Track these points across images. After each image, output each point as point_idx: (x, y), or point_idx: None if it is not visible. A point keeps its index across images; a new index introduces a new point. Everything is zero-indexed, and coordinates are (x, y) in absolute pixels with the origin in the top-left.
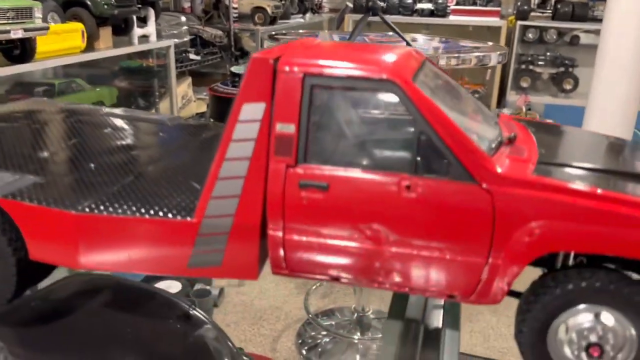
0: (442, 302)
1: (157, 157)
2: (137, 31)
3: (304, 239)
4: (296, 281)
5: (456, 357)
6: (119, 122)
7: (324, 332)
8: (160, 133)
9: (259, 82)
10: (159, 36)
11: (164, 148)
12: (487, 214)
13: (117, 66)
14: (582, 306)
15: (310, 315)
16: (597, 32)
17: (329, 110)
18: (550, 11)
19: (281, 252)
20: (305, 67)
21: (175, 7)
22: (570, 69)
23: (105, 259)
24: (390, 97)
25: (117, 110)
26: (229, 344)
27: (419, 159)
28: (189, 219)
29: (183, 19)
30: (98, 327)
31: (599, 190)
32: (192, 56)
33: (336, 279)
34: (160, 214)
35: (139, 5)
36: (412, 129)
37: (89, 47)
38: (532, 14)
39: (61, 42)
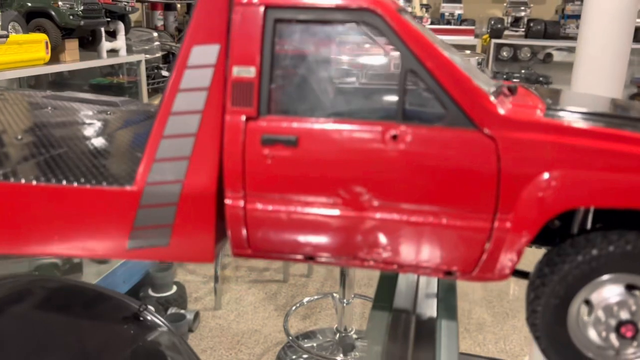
0: (434, 289)
1: (99, 133)
2: (106, 44)
3: (270, 208)
4: (276, 302)
5: (455, 352)
6: (62, 103)
7: (305, 355)
8: (109, 113)
9: (212, 19)
10: (129, 51)
11: (109, 126)
12: (490, 165)
13: (86, 84)
14: (609, 276)
15: (290, 338)
16: (569, 50)
17: (297, 49)
18: (523, 30)
19: (243, 227)
20: None
21: (147, 25)
22: (545, 86)
23: (25, 239)
24: (371, 30)
25: (63, 93)
26: (189, 351)
27: (406, 102)
28: (127, 187)
29: (155, 34)
30: (32, 331)
31: (626, 132)
32: (164, 73)
33: (311, 258)
34: (93, 182)
35: (108, 19)
36: (397, 67)
37: (54, 59)
38: (506, 32)
39: (23, 53)
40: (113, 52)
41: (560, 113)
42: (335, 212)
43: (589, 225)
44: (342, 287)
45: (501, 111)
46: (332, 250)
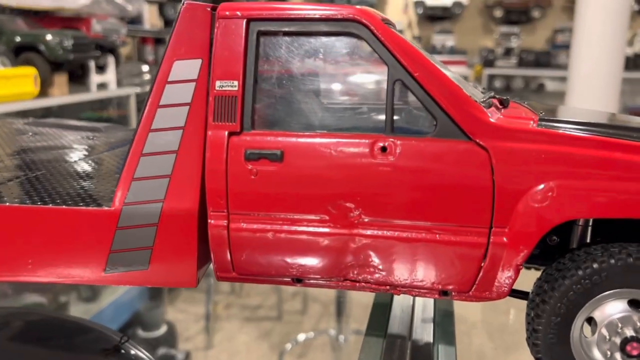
0: (431, 314)
1: (80, 156)
2: (96, 78)
3: (255, 227)
4: (270, 341)
5: None
6: (42, 129)
7: None
8: (92, 138)
9: (194, 33)
10: (120, 85)
11: (91, 150)
12: (484, 176)
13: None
14: (611, 292)
15: None
16: (561, 79)
17: (281, 62)
18: (514, 60)
19: (226, 248)
20: (250, 10)
21: (138, 59)
22: None
23: None
24: (358, 42)
25: (47, 120)
26: None
27: (395, 114)
28: (105, 207)
29: (146, 68)
30: None
31: (623, 140)
32: None
33: (299, 281)
34: (69, 203)
35: (98, 53)
36: (385, 78)
37: (43, 93)
38: (498, 62)
39: (11, 87)
40: (103, 86)
41: (554, 124)
42: (324, 229)
43: (588, 239)
44: (339, 323)
45: (493, 121)
46: (321, 271)
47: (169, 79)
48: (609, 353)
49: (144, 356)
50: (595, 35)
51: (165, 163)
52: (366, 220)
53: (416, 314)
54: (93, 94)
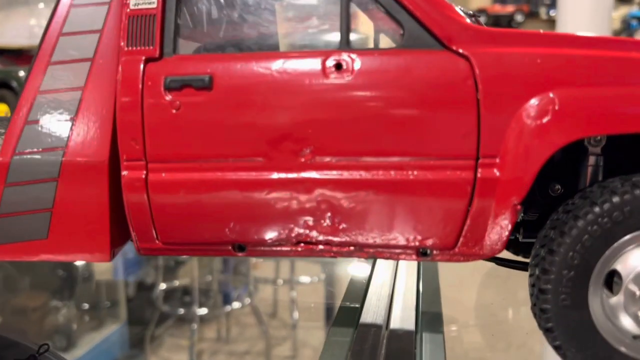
0: (413, 300)
1: None
2: None
3: (180, 178)
4: None
5: None
6: None
7: None
8: None
9: None
10: None
11: None
12: (465, 92)
13: None
14: (638, 233)
15: None
16: None
17: None
18: None
19: (146, 208)
20: None
21: None
22: None
23: None
24: None
25: None
26: None
27: (350, 24)
28: None
29: None
30: None
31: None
32: None
33: (241, 249)
34: None
35: None
36: None
37: None
38: None
39: None
40: None
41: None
42: (267, 176)
43: (600, 177)
44: None
45: (471, 24)
46: (268, 233)
47: (75, 2)
48: None
49: None
50: None
51: (68, 102)
52: (319, 160)
53: (395, 300)
54: None
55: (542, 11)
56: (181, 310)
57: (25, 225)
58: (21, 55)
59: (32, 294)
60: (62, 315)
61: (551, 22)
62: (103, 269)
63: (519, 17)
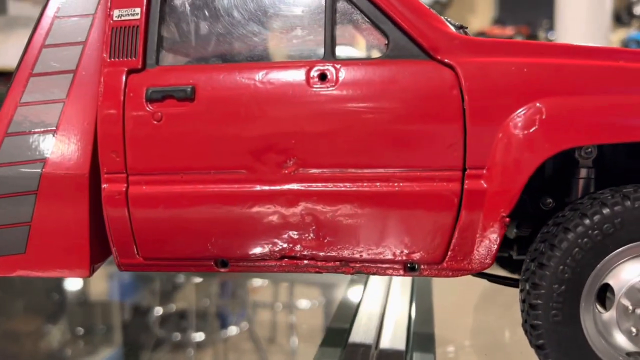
0: (405, 319)
1: None
2: None
3: (161, 191)
4: None
5: None
6: None
7: None
8: None
9: None
10: None
11: None
12: (451, 102)
13: None
14: (630, 245)
15: None
16: None
17: None
18: None
19: (127, 222)
20: None
21: None
22: None
23: None
24: None
25: None
26: None
27: (335, 34)
28: None
29: None
30: None
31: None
32: None
33: (224, 264)
34: None
35: None
36: None
37: None
38: None
39: None
40: None
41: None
42: (249, 188)
43: (592, 189)
44: None
45: (457, 34)
46: (251, 247)
47: (58, 14)
48: (634, 331)
49: None
50: None
51: (49, 115)
52: (303, 172)
53: (387, 319)
54: None
55: (541, 34)
56: (178, 336)
57: (2, 239)
58: None
59: (26, 318)
60: (56, 340)
61: None
62: (99, 292)
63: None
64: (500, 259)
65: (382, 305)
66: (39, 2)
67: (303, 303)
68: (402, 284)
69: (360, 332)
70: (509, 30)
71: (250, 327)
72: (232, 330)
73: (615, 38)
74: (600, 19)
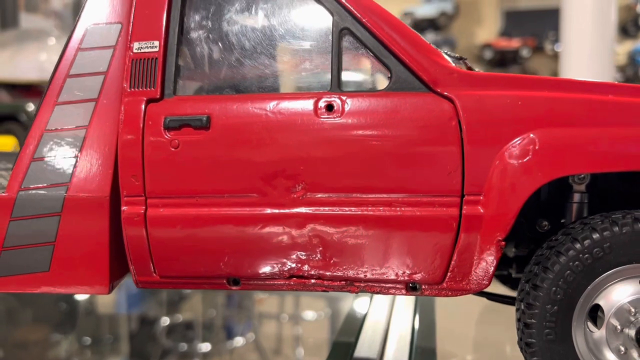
0: (408, 333)
1: None
2: None
3: (177, 213)
4: None
5: None
6: None
7: None
8: None
9: None
10: None
11: None
12: (450, 132)
13: None
14: (619, 269)
15: None
16: None
17: (209, 18)
18: None
19: (145, 242)
20: None
21: None
22: None
23: None
24: None
25: None
26: None
27: (342, 68)
28: None
29: None
30: None
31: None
32: None
33: (236, 283)
34: None
35: None
36: (330, 27)
37: None
38: None
39: None
40: None
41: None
42: (260, 211)
43: (585, 213)
44: None
45: (456, 67)
46: (261, 267)
47: (82, 46)
48: (622, 349)
49: None
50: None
51: (73, 140)
52: (311, 197)
53: (391, 333)
54: None
55: (548, 46)
56: (184, 346)
57: (28, 258)
58: (30, 90)
59: (34, 327)
60: (63, 350)
61: (557, 57)
62: (106, 303)
63: (524, 52)
64: (500, 277)
65: (387, 319)
66: (50, 15)
67: (309, 315)
68: (406, 298)
69: (365, 346)
70: (515, 42)
71: (256, 338)
72: (238, 341)
73: (622, 50)
74: (605, 31)
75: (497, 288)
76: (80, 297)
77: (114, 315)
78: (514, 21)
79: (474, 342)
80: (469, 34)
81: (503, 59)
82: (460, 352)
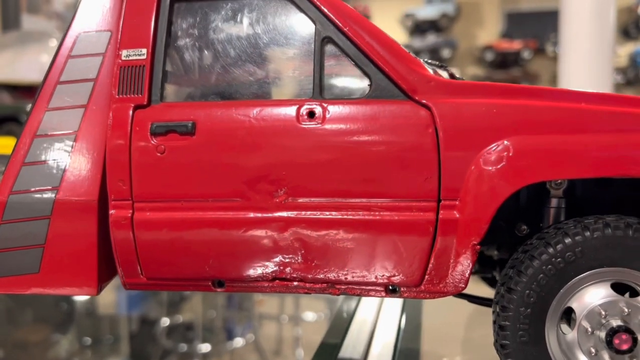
0: (393, 336)
1: None
2: None
3: (163, 217)
4: None
5: None
6: None
7: None
8: None
9: (103, 2)
10: None
11: None
12: (426, 139)
13: None
14: (591, 272)
15: None
16: None
17: (196, 26)
18: None
19: (132, 245)
20: None
21: None
22: None
23: None
24: (281, 0)
25: None
26: None
27: (324, 75)
28: None
29: None
30: None
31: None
32: None
33: (220, 285)
34: None
35: None
36: (313, 36)
37: None
38: None
39: None
40: None
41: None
42: (244, 215)
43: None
44: None
45: (434, 75)
46: (245, 269)
47: (72, 54)
48: (593, 351)
49: None
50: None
51: (63, 145)
52: (293, 201)
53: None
54: None
55: (549, 48)
56: (184, 347)
57: (18, 260)
58: (32, 91)
59: (34, 328)
60: (63, 350)
61: (558, 59)
62: (106, 303)
63: (526, 54)
64: (487, 279)
65: (374, 319)
66: (52, 17)
67: (309, 316)
68: (394, 299)
69: (350, 347)
70: (516, 44)
71: (256, 339)
72: (238, 341)
73: (623, 52)
74: (603, 33)
75: (484, 291)
76: (81, 297)
77: (115, 315)
78: (516, 23)
79: (459, 343)
80: (471, 35)
81: (504, 61)
82: (444, 353)
